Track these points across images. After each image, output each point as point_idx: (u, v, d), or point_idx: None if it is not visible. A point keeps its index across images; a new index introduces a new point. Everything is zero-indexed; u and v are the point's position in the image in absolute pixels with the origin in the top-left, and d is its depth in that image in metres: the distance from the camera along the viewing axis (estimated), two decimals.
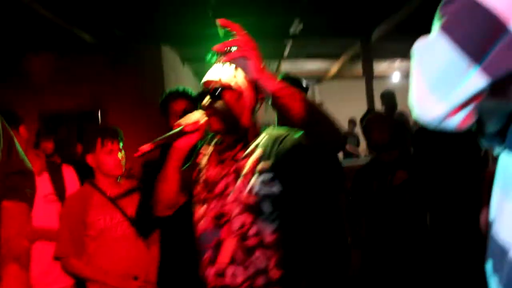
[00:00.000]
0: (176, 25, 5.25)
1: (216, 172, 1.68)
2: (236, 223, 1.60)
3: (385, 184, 2.81)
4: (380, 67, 8.91)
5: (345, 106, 8.92)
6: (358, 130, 8.11)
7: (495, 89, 0.76)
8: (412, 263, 2.74)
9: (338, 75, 9.43)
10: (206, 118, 1.65)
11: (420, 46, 0.80)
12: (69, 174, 2.54)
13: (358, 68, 8.14)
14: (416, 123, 6.61)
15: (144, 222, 2.30)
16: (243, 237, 1.58)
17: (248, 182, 1.61)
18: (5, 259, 0.94)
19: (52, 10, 4.35)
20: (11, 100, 4.56)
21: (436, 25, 0.78)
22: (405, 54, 7.97)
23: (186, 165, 1.79)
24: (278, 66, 8.61)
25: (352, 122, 8.98)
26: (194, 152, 1.82)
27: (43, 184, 2.35)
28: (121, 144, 2.35)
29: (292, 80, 2.38)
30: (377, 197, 2.76)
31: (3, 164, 1.06)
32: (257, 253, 1.58)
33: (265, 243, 1.59)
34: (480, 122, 0.88)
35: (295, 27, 5.87)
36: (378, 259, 2.76)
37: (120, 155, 2.33)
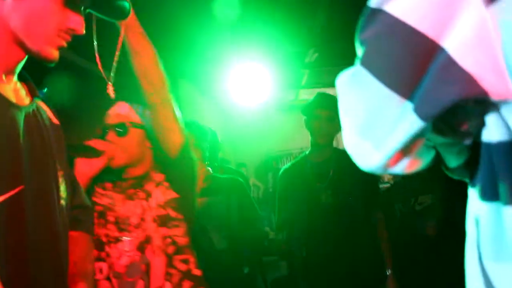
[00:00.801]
0: (192, 60, 5.37)
1: (127, 208, 1.73)
2: (157, 240, 1.66)
3: (409, 207, 2.81)
4: None
5: None
6: None
7: (440, 125, 0.63)
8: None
9: None
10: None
11: (342, 83, 0.68)
12: None
13: None
14: None
15: None
16: (166, 249, 1.69)
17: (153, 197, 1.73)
18: (75, 278, 1.10)
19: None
20: None
21: (358, 54, 0.65)
22: None
23: None
24: (297, 95, 8.68)
25: None
26: None
27: None
28: None
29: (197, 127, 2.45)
30: (401, 221, 2.75)
31: (71, 200, 1.21)
32: (178, 258, 1.70)
33: (180, 246, 1.71)
34: (439, 156, 0.73)
35: (311, 57, 5.96)
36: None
37: None
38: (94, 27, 1.34)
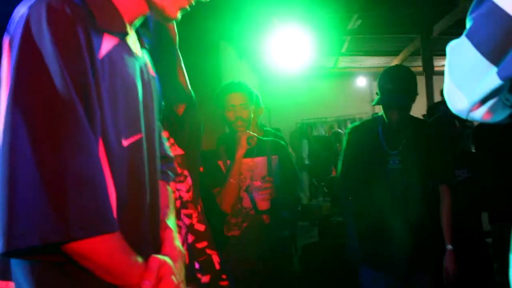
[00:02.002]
0: (234, 22, 5.36)
1: None
2: None
3: None
4: (440, 63, 8.67)
5: None
6: None
7: None
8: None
9: None
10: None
11: (451, 48, 0.89)
12: None
13: (418, 63, 7.95)
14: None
15: None
16: (175, 203, 1.72)
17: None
18: (163, 223, 1.16)
19: None
20: None
21: (466, 28, 0.86)
22: None
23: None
24: (336, 62, 8.57)
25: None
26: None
27: None
28: None
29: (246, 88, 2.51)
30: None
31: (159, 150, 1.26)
32: (183, 212, 1.75)
33: (184, 200, 1.76)
34: None
35: (353, 23, 5.85)
36: None
37: None
38: None
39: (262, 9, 4.74)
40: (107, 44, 0.95)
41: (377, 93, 2.47)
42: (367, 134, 2.53)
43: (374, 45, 7.33)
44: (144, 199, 1.04)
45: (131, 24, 1.06)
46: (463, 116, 0.89)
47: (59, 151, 0.80)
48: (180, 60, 1.74)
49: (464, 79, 0.85)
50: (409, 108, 2.41)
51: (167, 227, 1.17)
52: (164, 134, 1.85)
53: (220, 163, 2.47)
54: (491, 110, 0.85)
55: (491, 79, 0.79)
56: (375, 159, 2.46)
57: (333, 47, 7.33)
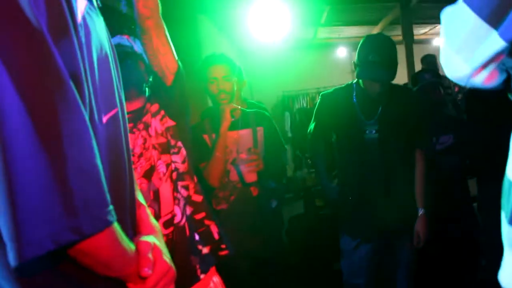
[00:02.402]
0: None
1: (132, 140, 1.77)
2: (161, 167, 1.70)
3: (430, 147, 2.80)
4: (420, 31, 8.68)
5: None
6: None
7: None
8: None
9: None
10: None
11: (447, 13, 0.90)
12: None
13: (397, 32, 7.93)
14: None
15: None
16: (172, 176, 1.74)
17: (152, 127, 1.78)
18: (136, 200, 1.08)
19: None
20: None
21: None
22: None
23: None
24: (316, 33, 8.50)
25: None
26: None
27: None
28: None
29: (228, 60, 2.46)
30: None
31: None
32: (180, 184, 1.75)
33: (181, 172, 1.76)
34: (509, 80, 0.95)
35: None
36: None
37: None
38: None
39: None
40: (80, 3, 0.84)
41: (354, 64, 2.38)
42: (341, 101, 2.47)
43: (353, 14, 7.27)
44: (124, 176, 0.98)
45: None
46: (463, 83, 0.89)
47: (57, 140, 0.70)
48: (165, 29, 1.70)
49: (463, 45, 0.85)
50: (392, 80, 2.37)
51: (140, 203, 1.10)
52: (154, 106, 1.82)
53: (205, 136, 2.44)
54: (492, 75, 0.86)
55: (492, 42, 0.80)
56: (351, 129, 2.43)
57: (312, 18, 7.26)
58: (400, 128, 2.39)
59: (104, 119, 0.90)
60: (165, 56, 1.71)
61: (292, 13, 5.69)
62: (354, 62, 2.40)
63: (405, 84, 8.22)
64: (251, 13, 5.39)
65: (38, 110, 0.68)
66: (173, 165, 1.75)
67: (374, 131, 2.41)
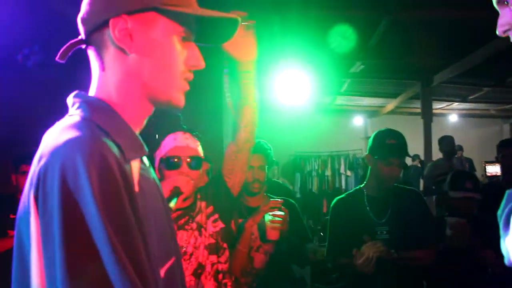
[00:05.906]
0: None
1: (181, 238, 1.81)
2: (208, 267, 1.82)
3: None
4: (436, 106, 8.80)
5: None
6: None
7: None
8: None
9: (393, 111, 9.36)
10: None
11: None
12: None
13: (414, 104, 8.04)
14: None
15: None
16: (216, 274, 1.82)
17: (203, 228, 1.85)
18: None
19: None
20: None
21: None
22: (464, 98, 7.82)
23: None
24: (334, 99, 8.63)
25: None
26: None
27: None
28: None
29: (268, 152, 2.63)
30: None
31: None
32: (223, 282, 1.83)
33: (224, 271, 1.84)
34: None
35: (356, 68, 5.92)
36: None
37: None
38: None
39: (272, 53, 4.79)
40: (135, 173, 0.88)
41: (370, 151, 2.49)
42: (353, 204, 2.56)
43: (373, 87, 7.41)
44: None
45: (138, 130, 0.98)
46: None
47: None
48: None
49: None
50: (405, 166, 2.50)
51: None
52: (210, 208, 1.87)
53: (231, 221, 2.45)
54: None
55: None
56: (363, 230, 2.47)
57: (333, 87, 7.40)
58: (409, 229, 2.44)
59: (162, 273, 0.91)
60: (244, 175, 1.85)
61: (314, 82, 5.81)
62: (368, 153, 2.52)
63: (421, 161, 8.31)
64: (276, 79, 5.49)
65: None
66: (219, 266, 1.80)
67: (385, 232, 2.45)
